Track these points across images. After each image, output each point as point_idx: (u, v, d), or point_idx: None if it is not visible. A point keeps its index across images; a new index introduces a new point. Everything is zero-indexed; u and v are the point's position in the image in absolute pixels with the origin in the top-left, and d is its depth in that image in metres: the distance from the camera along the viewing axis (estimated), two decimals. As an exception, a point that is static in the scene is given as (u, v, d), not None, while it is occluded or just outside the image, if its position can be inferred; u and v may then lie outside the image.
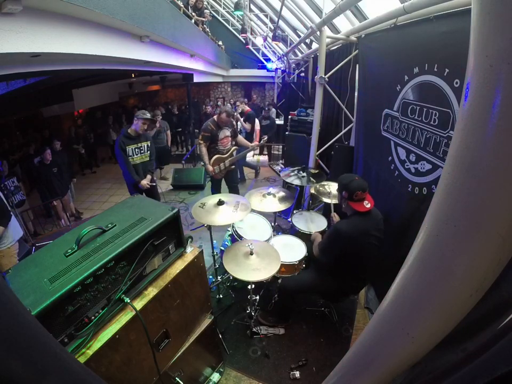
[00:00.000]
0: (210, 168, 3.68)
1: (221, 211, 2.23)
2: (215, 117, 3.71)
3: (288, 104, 7.01)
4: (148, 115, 3.52)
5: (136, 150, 3.53)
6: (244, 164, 6.29)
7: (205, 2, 7.50)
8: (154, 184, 3.79)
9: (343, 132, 3.85)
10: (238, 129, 5.12)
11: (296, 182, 2.98)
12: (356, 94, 3.44)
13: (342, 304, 2.60)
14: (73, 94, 7.54)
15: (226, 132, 3.75)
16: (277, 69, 10.59)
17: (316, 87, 3.58)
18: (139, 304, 1.23)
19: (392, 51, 2.38)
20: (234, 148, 3.87)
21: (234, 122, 3.89)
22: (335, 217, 2.36)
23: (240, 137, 4.04)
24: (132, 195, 3.79)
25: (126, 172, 3.47)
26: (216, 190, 4.05)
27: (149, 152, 3.65)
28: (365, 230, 1.93)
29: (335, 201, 2.49)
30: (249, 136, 6.00)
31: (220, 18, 11.94)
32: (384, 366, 0.82)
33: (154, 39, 3.88)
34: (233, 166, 3.96)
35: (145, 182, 3.57)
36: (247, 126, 6.11)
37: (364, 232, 1.92)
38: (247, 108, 6.30)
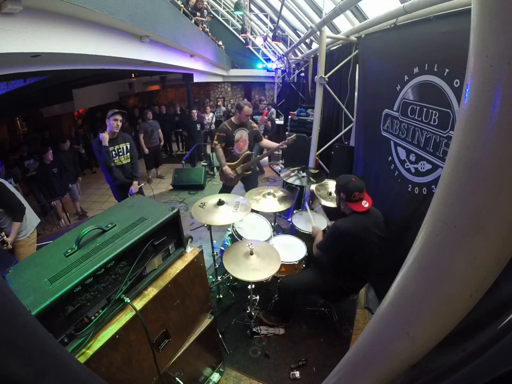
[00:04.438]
0: (228, 170, 3.35)
1: (221, 211, 2.23)
2: (232, 118, 3.44)
3: (288, 104, 7.02)
4: (116, 110, 3.28)
5: (113, 152, 3.32)
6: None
7: (205, 3, 7.50)
8: (141, 185, 3.70)
9: (343, 131, 3.85)
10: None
11: (296, 182, 2.98)
12: (356, 94, 3.45)
13: (342, 304, 2.60)
14: (73, 94, 7.54)
15: (244, 133, 3.40)
16: (277, 69, 10.59)
17: (315, 87, 3.58)
18: (139, 304, 1.23)
19: (392, 51, 2.38)
20: (246, 153, 3.49)
21: (254, 125, 3.53)
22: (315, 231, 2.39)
23: (266, 141, 3.67)
24: (116, 199, 3.68)
25: (103, 166, 3.31)
26: None
27: (129, 154, 3.44)
28: (365, 227, 1.93)
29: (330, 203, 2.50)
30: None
31: (220, 18, 11.94)
32: (384, 366, 0.82)
33: (154, 39, 3.88)
34: (249, 172, 3.59)
35: (135, 188, 3.47)
36: (269, 124, 6.11)
37: (364, 229, 1.93)
38: (265, 110, 6.41)
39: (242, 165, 3.50)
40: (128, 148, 3.44)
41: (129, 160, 3.47)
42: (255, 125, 3.57)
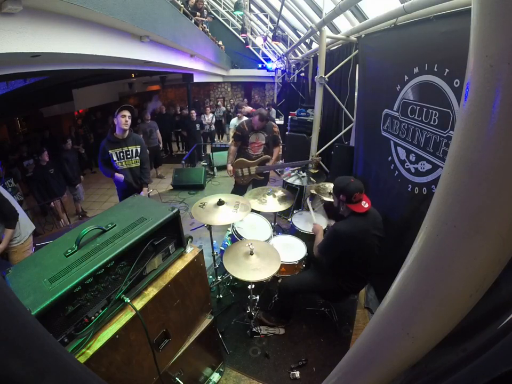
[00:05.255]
0: (229, 167, 3.48)
1: (221, 211, 2.23)
2: (252, 118, 3.45)
3: (288, 104, 7.02)
4: (122, 106, 3.10)
5: (121, 154, 3.11)
6: None
7: (205, 3, 7.50)
8: (149, 192, 3.57)
9: (343, 131, 3.85)
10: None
11: (296, 182, 2.98)
12: (356, 94, 3.45)
13: (342, 304, 2.60)
14: (73, 94, 7.54)
15: (261, 137, 3.41)
16: (277, 69, 10.61)
17: (315, 87, 3.58)
18: (139, 304, 1.23)
19: (392, 51, 2.38)
20: (264, 156, 3.47)
21: (275, 129, 3.50)
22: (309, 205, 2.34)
23: (276, 151, 3.58)
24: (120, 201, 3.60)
25: (102, 169, 3.20)
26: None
27: (138, 157, 3.21)
28: (364, 229, 1.93)
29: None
30: None
31: (220, 18, 11.95)
32: (384, 366, 0.82)
33: (154, 39, 3.88)
34: (261, 177, 3.53)
35: (145, 195, 3.30)
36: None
37: (364, 231, 1.92)
38: (250, 108, 6.33)
39: (258, 166, 3.45)
40: (139, 151, 3.20)
41: (137, 165, 3.23)
42: (276, 129, 3.52)
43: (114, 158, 3.11)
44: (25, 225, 2.74)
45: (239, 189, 3.65)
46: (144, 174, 3.31)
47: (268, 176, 3.70)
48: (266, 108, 7.49)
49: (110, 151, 3.08)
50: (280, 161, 3.62)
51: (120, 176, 3.15)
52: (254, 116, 3.34)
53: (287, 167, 3.56)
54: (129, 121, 3.06)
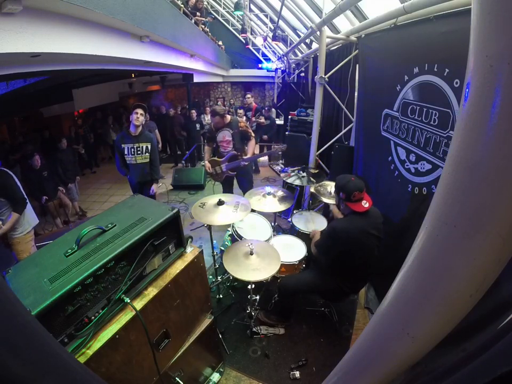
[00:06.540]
0: (207, 164, 3.60)
1: (221, 211, 2.23)
2: None
3: (288, 104, 7.02)
4: (136, 104, 3.42)
5: (132, 150, 3.36)
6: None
7: (205, 3, 7.50)
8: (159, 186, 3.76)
9: (343, 131, 3.85)
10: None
11: (296, 182, 2.98)
12: (356, 94, 3.45)
13: (342, 304, 2.60)
14: (73, 94, 7.53)
15: (226, 134, 3.46)
16: (277, 69, 10.60)
17: (316, 87, 3.58)
18: (139, 304, 1.23)
19: (392, 51, 2.38)
20: (231, 153, 3.50)
21: (242, 124, 3.49)
22: (335, 210, 2.34)
23: (250, 145, 3.55)
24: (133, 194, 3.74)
25: (118, 165, 3.50)
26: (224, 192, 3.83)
27: (148, 154, 3.42)
28: (362, 228, 1.92)
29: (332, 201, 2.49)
30: (268, 128, 6.52)
31: (220, 18, 11.95)
32: (384, 366, 0.82)
33: (154, 39, 3.88)
34: (233, 173, 3.60)
35: (156, 188, 3.56)
36: (262, 119, 6.21)
37: (362, 230, 1.92)
38: (254, 104, 6.43)
39: (227, 163, 3.53)
40: (149, 148, 3.42)
41: (146, 160, 3.44)
42: (243, 124, 3.51)
43: (126, 152, 3.38)
44: (30, 217, 2.85)
45: (225, 187, 3.81)
46: (155, 170, 3.55)
47: (248, 173, 3.75)
48: (266, 108, 7.46)
49: (122, 145, 3.35)
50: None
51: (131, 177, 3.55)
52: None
53: (254, 158, 3.59)
54: (141, 118, 3.32)
